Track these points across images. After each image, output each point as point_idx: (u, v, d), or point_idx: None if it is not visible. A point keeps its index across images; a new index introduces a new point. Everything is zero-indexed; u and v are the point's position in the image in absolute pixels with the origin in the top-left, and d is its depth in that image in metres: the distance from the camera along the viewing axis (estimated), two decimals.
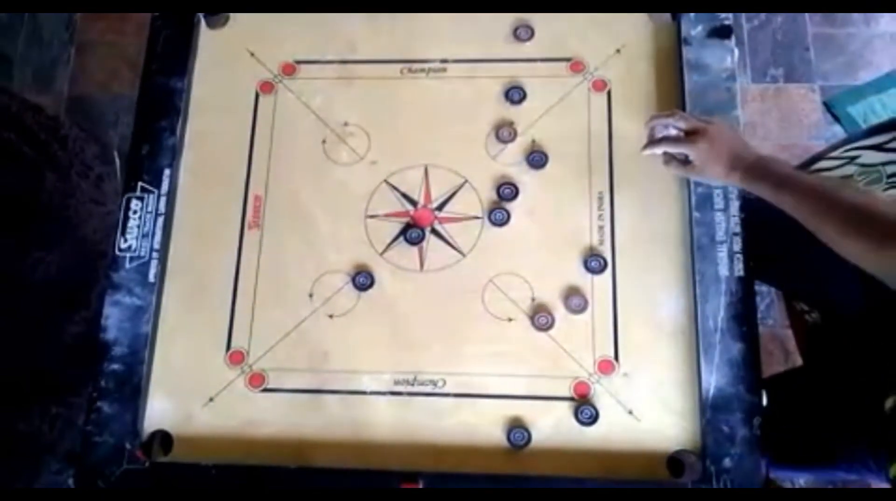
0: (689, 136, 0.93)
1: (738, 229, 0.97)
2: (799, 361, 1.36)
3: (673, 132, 0.95)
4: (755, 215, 0.98)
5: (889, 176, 1.09)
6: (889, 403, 0.87)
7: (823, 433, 1.01)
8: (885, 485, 0.95)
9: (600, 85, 1.07)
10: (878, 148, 1.09)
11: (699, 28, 1.06)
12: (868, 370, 1.00)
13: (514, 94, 1.07)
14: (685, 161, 0.95)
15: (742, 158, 0.90)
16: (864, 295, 1.01)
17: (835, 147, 1.19)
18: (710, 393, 0.91)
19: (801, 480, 1.52)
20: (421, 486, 0.88)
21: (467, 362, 0.97)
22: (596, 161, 1.04)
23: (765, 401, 0.90)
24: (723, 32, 1.06)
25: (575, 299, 0.97)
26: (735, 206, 0.98)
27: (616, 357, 0.95)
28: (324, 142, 1.08)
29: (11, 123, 1.35)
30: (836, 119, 1.83)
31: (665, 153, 0.97)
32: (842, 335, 1.10)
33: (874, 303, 0.99)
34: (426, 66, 1.11)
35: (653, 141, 0.97)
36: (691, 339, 0.95)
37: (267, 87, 1.11)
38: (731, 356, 0.92)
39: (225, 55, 1.13)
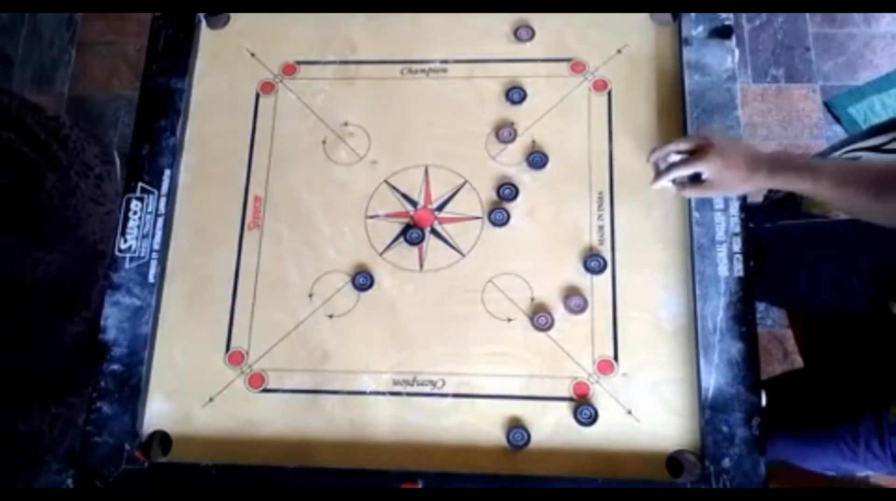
0: (696, 154, 0.91)
1: (737, 230, 0.97)
2: (799, 361, 1.36)
3: (677, 158, 0.94)
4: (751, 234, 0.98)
5: None
6: (893, 411, 0.88)
7: (824, 415, 1.02)
8: (888, 467, 0.95)
9: (601, 85, 1.07)
10: (877, 149, 1.09)
11: (700, 28, 1.06)
12: (868, 370, 1.00)
13: (515, 94, 1.07)
14: (698, 181, 0.93)
15: (760, 158, 0.89)
16: (869, 297, 1.01)
17: (834, 149, 1.19)
18: (709, 393, 0.91)
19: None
20: (420, 486, 0.88)
21: (467, 362, 0.97)
22: (596, 161, 1.04)
23: (764, 401, 0.90)
24: (723, 33, 1.06)
25: (574, 299, 0.97)
26: (735, 206, 0.98)
27: (615, 357, 0.95)
28: (324, 142, 1.08)
29: (11, 123, 1.36)
30: (837, 119, 1.83)
31: (676, 182, 0.95)
32: (842, 335, 1.10)
33: (878, 305, 1.00)
34: (426, 66, 1.11)
35: (660, 172, 0.95)
36: (691, 339, 0.95)
37: (267, 87, 1.11)
38: (730, 356, 0.92)
39: (225, 55, 1.13)
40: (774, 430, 0.92)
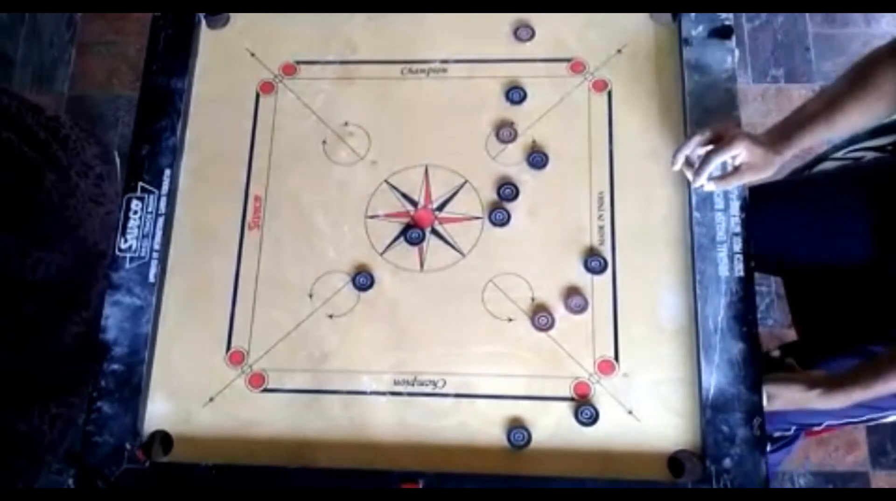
0: (723, 141, 0.92)
1: (738, 230, 0.97)
2: None
3: (703, 150, 0.94)
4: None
5: None
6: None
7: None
8: None
9: (601, 85, 1.07)
10: (881, 150, 1.09)
11: (700, 28, 1.06)
12: (867, 320, 1.02)
13: (515, 94, 1.07)
14: (730, 172, 0.95)
15: (771, 132, 0.95)
16: (868, 251, 1.05)
17: (838, 148, 1.19)
18: (710, 393, 0.91)
19: (802, 480, 1.53)
20: (421, 486, 0.88)
21: (467, 362, 0.97)
22: (596, 161, 1.04)
23: (765, 402, 0.91)
24: (723, 33, 1.06)
25: (575, 299, 0.97)
26: (735, 206, 0.98)
27: (616, 357, 0.95)
28: (324, 142, 1.08)
29: (11, 123, 1.36)
30: None
31: (713, 178, 0.96)
32: (837, 295, 1.12)
33: (882, 251, 1.02)
34: (426, 66, 1.11)
35: (697, 169, 0.94)
36: (691, 339, 0.95)
37: (267, 87, 1.11)
38: (731, 356, 0.92)
39: (225, 55, 1.13)
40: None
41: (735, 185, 0.97)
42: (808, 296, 1.21)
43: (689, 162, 0.96)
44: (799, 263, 1.15)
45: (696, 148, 0.95)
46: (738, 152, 0.92)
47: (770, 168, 0.94)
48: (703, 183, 0.95)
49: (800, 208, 1.11)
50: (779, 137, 0.94)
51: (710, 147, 0.93)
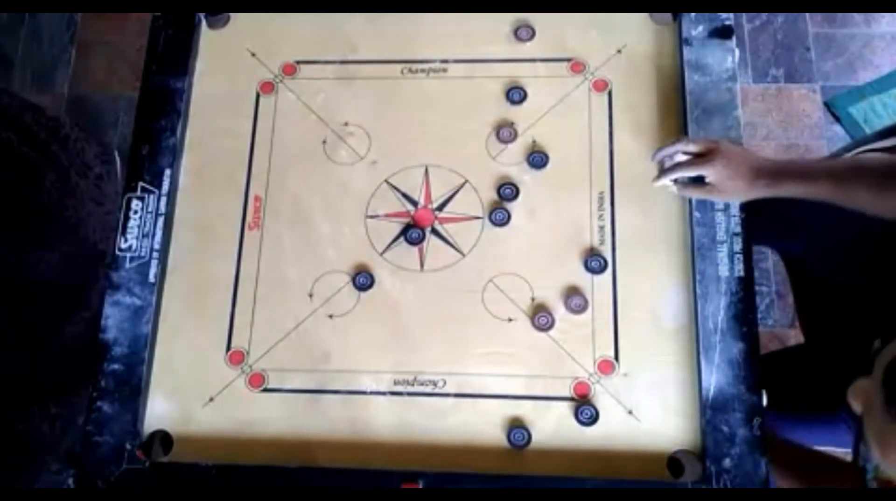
0: (702, 157, 0.92)
1: (738, 229, 0.97)
2: None
3: (683, 158, 0.95)
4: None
5: None
6: (876, 344, 0.89)
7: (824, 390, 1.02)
8: None
9: (601, 85, 1.07)
10: (891, 151, 1.09)
11: (700, 28, 1.06)
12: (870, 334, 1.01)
13: (515, 94, 1.07)
14: (700, 183, 0.94)
15: (763, 169, 0.91)
16: (874, 249, 1.03)
17: (847, 149, 1.19)
18: (710, 393, 0.91)
19: None
20: (421, 486, 0.88)
21: (467, 362, 0.97)
22: (596, 161, 1.04)
23: (765, 401, 0.91)
24: (724, 33, 1.06)
25: (575, 299, 0.97)
26: (736, 206, 0.98)
27: (616, 357, 0.95)
28: (324, 142, 1.08)
29: (11, 123, 1.36)
30: (837, 119, 1.83)
31: (678, 181, 0.97)
32: (843, 306, 1.10)
33: (886, 266, 1.01)
34: (426, 66, 1.11)
35: (664, 170, 0.96)
36: (691, 339, 0.95)
37: (267, 87, 1.11)
38: (731, 356, 0.92)
39: (226, 55, 1.13)
40: (775, 410, 0.93)
41: (694, 197, 0.97)
42: (812, 295, 1.21)
43: (666, 160, 0.97)
44: (800, 262, 1.15)
45: (677, 154, 0.96)
46: (707, 174, 0.92)
47: (738, 198, 0.95)
48: (665, 183, 0.97)
49: (802, 208, 1.11)
50: (772, 173, 0.90)
51: (688, 157, 0.94)
